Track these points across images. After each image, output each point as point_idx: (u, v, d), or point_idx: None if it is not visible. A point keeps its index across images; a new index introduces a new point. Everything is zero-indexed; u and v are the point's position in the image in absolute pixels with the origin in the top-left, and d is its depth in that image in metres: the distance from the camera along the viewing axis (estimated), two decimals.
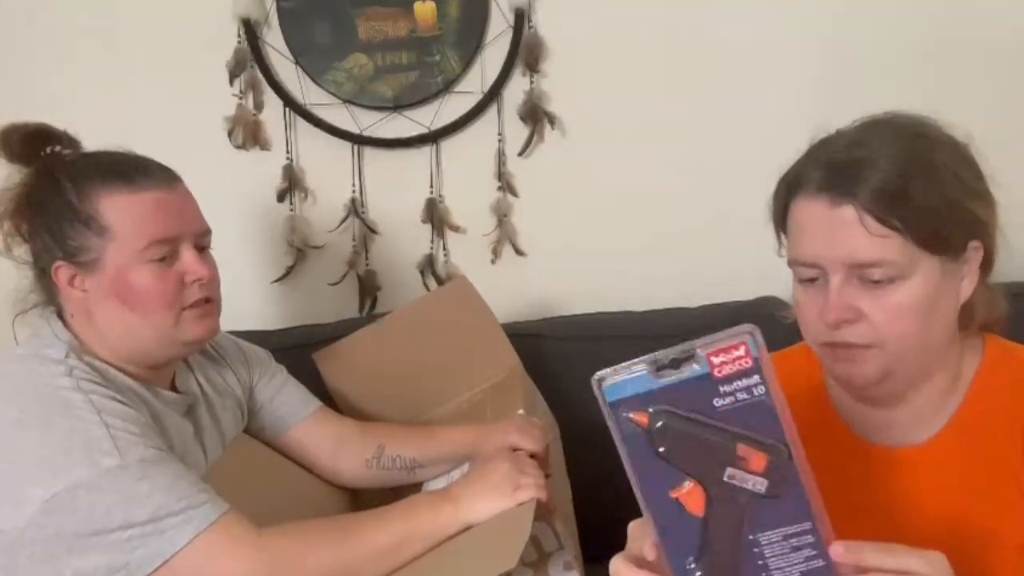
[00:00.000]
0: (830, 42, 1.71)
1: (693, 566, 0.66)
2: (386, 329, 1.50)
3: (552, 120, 1.72)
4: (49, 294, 1.12)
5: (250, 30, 1.68)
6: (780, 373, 1.04)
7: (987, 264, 0.91)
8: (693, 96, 1.73)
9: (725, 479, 0.65)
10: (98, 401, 1.02)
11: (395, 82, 1.70)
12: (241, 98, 1.71)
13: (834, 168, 0.87)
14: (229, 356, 1.31)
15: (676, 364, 0.64)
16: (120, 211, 1.07)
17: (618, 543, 1.11)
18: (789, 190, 0.92)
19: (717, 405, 0.64)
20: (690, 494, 0.66)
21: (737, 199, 1.51)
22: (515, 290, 1.78)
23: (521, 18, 1.68)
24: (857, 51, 1.70)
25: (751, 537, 0.66)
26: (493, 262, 1.77)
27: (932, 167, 0.86)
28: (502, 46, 1.69)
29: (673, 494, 0.66)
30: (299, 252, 1.77)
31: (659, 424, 0.65)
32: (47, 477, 0.96)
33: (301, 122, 1.73)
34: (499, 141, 1.74)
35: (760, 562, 0.66)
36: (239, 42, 1.69)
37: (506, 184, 1.75)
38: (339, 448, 1.33)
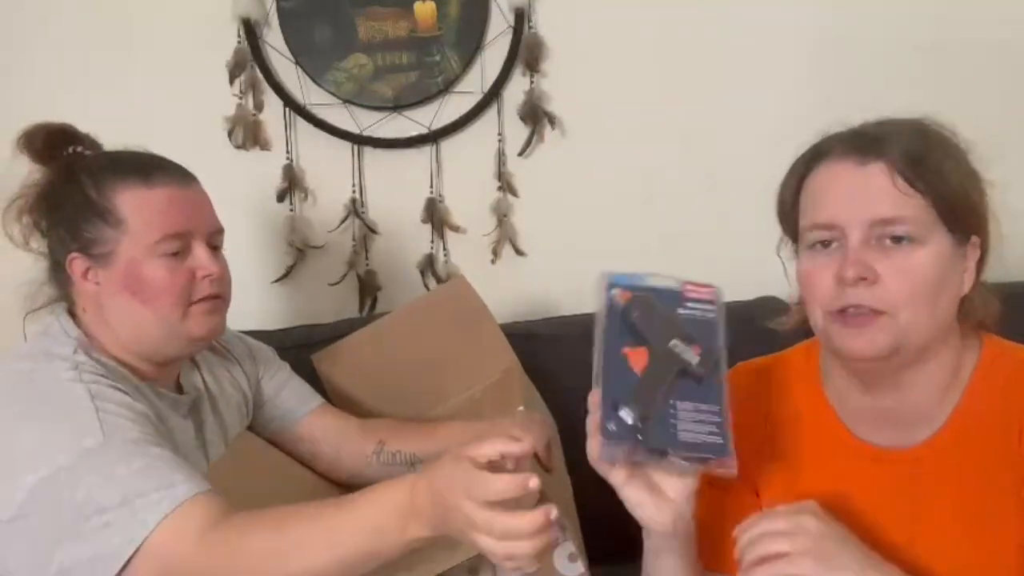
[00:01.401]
0: (830, 43, 1.71)
1: (622, 411, 0.82)
2: (384, 330, 1.50)
3: (552, 120, 1.72)
4: (62, 288, 1.13)
5: (250, 30, 1.68)
6: (779, 375, 1.05)
7: (982, 263, 0.93)
8: (693, 96, 1.73)
9: (670, 345, 0.85)
10: (95, 389, 1.02)
11: (395, 82, 1.70)
12: (241, 98, 1.71)
13: (861, 136, 0.91)
14: (235, 351, 1.32)
15: (665, 280, 0.89)
16: (135, 205, 1.09)
17: (618, 542, 1.11)
18: (809, 161, 0.95)
19: (679, 312, 0.88)
20: (637, 355, 0.86)
21: (737, 199, 1.51)
22: (515, 290, 1.78)
23: (521, 18, 1.68)
24: (857, 52, 1.70)
25: (671, 401, 0.83)
26: (493, 262, 1.77)
27: (949, 148, 0.91)
28: (502, 46, 1.69)
29: (625, 350, 0.86)
30: (299, 252, 1.77)
31: (636, 299, 0.88)
32: (34, 464, 0.96)
33: (301, 122, 1.73)
34: (499, 141, 1.74)
35: (672, 421, 0.83)
36: (239, 42, 1.69)
37: (506, 184, 1.75)
38: (340, 444, 1.33)
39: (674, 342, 0.85)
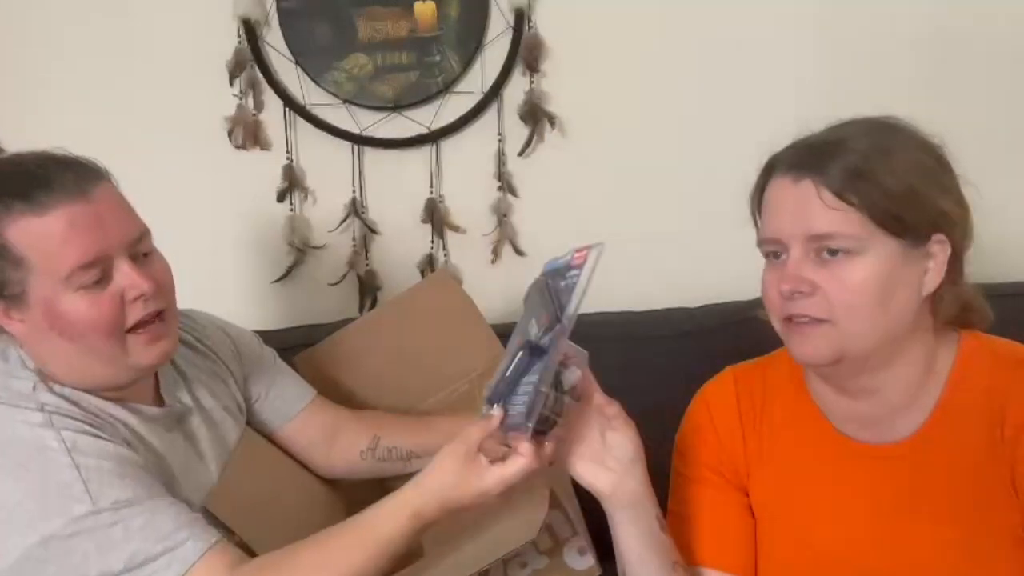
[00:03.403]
0: (830, 42, 1.71)
1: (491, 396, 0.91)
2: (369, 326, 1.49)
3: (552, 120, 1.72)
4: None
5: (250, 30, 1.68)
6: (767, 376, 1.07)
7: (955, 262, 0.92)
8: (693, 96, 1.73)
9: (528, 325, 0.93)
10: (70, 438, 0.95)
11: (395, 82, 1.70)
12: (241, 98, 1.71)
13: (803, 149, 0.93)
14: (220, 350, 1.25)
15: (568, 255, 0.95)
16: (30, 239, 0.95)
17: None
18: (765, 174, 0.97)
19: (561, 283, 0.93)
20: (519, 340, 0.93)
21: (737, 199, 1.51)
22: (515, 290, 1.76)
23: (521, 18, 1.68)
24: (857, 52, 1.70)
25: (522, 379, 0.90)
26: (493, 262, 1.77)
27: (895, 154, 0.90)
28: (502, 46, 1.69)
29: (517, 340, 0.93)
30: (299, 252, 1.76)
31: (533, 285, 0.97)
32: (20, 529, 0.91)
33: (301, 122, 1.73)
34: (499, 141, 1.74)
35: (515, 399, 0.89)
36: (239, 42, 1.69)
37: (506, 184, 1.75)
38: (333, 440, 1.30)
39: (532, 320, 0.92)
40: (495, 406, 0.91)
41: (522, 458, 0.89)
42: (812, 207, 0.89)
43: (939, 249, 0.91)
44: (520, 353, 0.90)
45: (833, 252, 0.89)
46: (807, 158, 0.91)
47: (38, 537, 0.91)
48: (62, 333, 0.98)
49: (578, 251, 0.94)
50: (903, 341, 0.93)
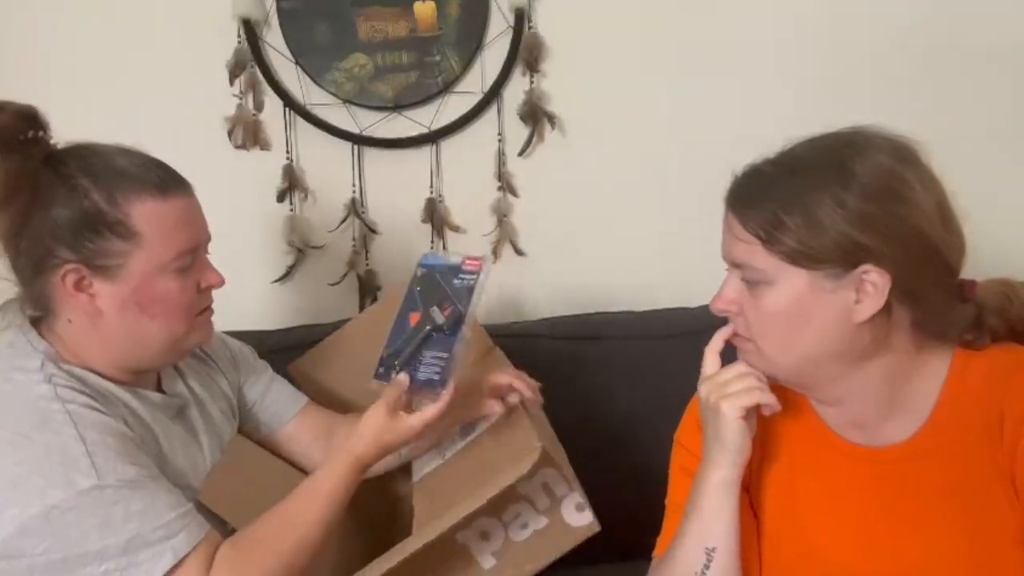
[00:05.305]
0: (831, 44, 1.71)
1: (396, 362, 1.14)
2: (358, 330, 1.48)
3: (552, 120, 1.73)
4: (37, 296, 1.06)
5: (250, 30, 1.68)
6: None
7: (902, 290, 0.89)
8: (693, 95, 1.73)
9: (431, 310, 1.14)
10: (76, 411, 0.98)
11: (395, 82, 1.70)
12: (241, 98, 1.71)
13: (740, 180, 0.95)
14: (217, 357, 1.29)
15: (456, 257, 1.18)
16: (152, 219, 1.03)
17: (618, 539, 1.11)
18: None
19: (454, 281, 1.15)
20: (415, 317, 1.15)
21: None
22: (515, 290, 1.78)
23: (521, 18, 1.68)
24: (858, 54, 1.71)
25: (422, 351, 1.13)
26: (493, 262, 1.77)
27: (811, 190, 0.89)
28: (502, 46, 1.69)
29: (410, 314, 1.16)
30: (299, 252, 1.77)
31: (424, 275, 1.18)
32: (22, 498, 0.93)
33: (301, 122, 1.73)
34: (499, 141, 1.74)
35: (417, 364, 1.13)
36: (239, 42, 1.69)
37: (506, 184, 1.75)
38: (329, 444, 1.31)
39: (434, 307, 1.14)
40: (401, 372, 1.13)
41: (447, 395, 1.11)
42: (731, 237, 0.94)
43: (875, 278, 0.89)
44: (427, 330, 1.13)
45: (749, 280, 0.93)
46: (736, 191, 0.95)
47: (40, 507, 0.92)
48: (145, 309, 1.05)
49: (469, 258, 1.16)
50: (852, 360, 0.93)
